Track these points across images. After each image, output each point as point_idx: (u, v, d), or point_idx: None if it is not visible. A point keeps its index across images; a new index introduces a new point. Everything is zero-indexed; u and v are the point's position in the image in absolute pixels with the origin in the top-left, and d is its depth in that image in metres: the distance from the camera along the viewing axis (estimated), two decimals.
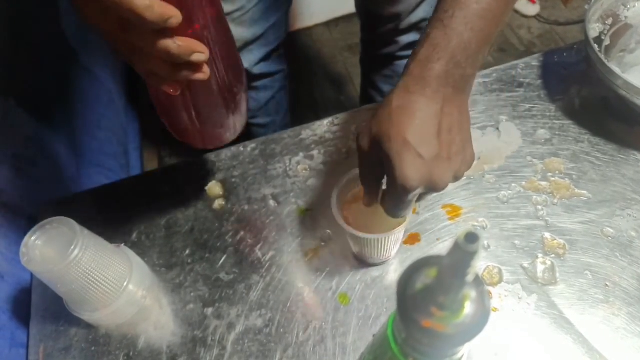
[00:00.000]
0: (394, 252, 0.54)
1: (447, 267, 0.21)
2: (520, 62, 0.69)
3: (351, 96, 1.61)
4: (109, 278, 0.50)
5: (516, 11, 1.76)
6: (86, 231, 0.48)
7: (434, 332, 0.23)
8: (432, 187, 0.41)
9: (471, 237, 0.19)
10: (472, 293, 0.23)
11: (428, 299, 0.22)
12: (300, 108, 1.34)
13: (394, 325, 0.26)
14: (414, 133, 0.39)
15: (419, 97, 0.40)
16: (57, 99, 0.81)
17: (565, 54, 0.69)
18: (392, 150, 0.39)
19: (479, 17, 0.40)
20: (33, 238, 0.46)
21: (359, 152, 0.44)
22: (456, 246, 0.20)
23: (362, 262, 0.55)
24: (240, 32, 0.91)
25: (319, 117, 0.68)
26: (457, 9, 0.40)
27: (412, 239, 0.56)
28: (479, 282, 0.23)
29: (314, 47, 1.78)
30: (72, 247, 0.45)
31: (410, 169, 0.39)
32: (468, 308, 0.23)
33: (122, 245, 0.55)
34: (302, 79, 1.61)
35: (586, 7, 0.61)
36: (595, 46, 0.58)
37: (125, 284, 0.52)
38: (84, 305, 0.51)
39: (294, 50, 1.13)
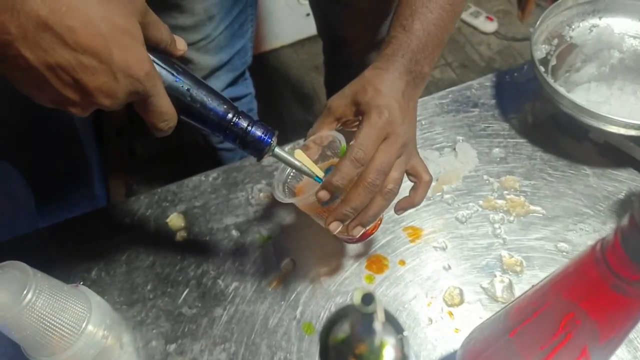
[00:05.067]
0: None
1: (354, 323, 0.21)
2: (475, 83, 0.72)
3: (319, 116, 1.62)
4: (65, 321, 0.48)
5: (475, 29, 1.82)
6: (39, 273, 0.46)
7: None
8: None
9: (367, 299, 0.20)
10: (390, 340, 0.23)
11: (347, 350, 0.22)
12: None
13: None
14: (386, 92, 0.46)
15: (389, 73, 0.47)
16: (13, 131, 0.79)
17: (516, 74, 0.72)
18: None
19: (433, 25, 0.48)
20: None
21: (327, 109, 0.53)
22: (354, 308, 0.20)
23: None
24: (206, 60, 0.91)
25: (287, 138, 0.68)
26: (415, 17, 0.48)
27: (378, 266, 0.56)
28: (398, 328, 0.23)
29: (281, 69, 1.79)
30: (25, 292, 0.44)
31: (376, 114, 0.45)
32: (386, 356, 0.23)
33: (80, 284, 0.53)
34: (270, 100, 1.62)
35: (531, 29, 0.64)
36: (541, 68, 0.60)
37: (83, 325, 0.50)
38: (41, 350, 0.49)
39: (261, 72, 1.14)
